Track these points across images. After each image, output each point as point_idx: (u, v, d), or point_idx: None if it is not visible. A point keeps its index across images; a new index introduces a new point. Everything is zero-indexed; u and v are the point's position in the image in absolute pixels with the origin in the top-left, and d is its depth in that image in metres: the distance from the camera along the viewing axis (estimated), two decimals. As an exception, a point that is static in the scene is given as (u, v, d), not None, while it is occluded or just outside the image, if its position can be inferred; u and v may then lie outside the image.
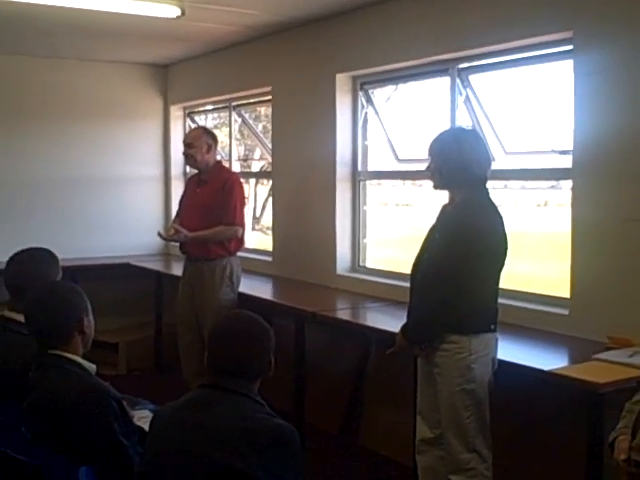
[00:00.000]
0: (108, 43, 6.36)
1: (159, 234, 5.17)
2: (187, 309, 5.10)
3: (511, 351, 3.42)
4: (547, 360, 3.41)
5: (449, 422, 3.17)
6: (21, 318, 2.84)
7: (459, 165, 3.20)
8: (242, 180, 7.12)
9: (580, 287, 3.75)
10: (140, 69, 7.44)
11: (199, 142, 5.00)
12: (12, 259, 3.04)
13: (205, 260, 4.97)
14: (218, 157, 5.47)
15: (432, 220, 3.39)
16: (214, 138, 5.15)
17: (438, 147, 3.31)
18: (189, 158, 5.08)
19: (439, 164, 3.26)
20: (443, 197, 3.49)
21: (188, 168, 7.60)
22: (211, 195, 4.98)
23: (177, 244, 5.26)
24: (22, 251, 3.08)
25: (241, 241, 5.11)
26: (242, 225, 5.05)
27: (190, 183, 5.38)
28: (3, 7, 4.82)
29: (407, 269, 3.42)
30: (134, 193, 7.39)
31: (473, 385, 3.11)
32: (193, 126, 7.64)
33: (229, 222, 4.93)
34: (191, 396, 2.27)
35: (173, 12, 4.92)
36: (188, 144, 5.05)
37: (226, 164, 6.97)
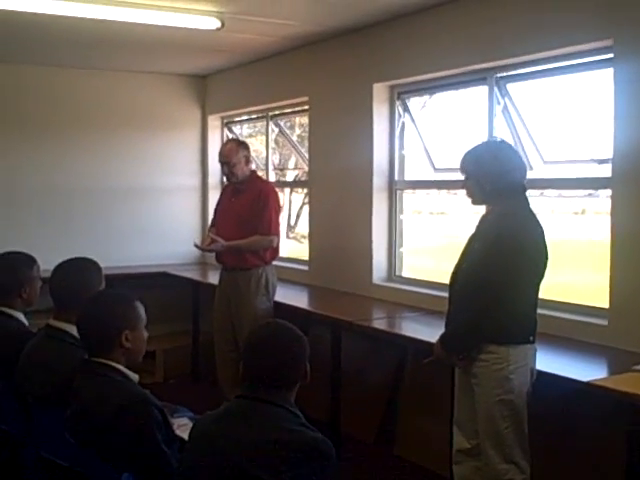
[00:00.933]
0: (147, 55, 6.45)
1: (195, 244, 5.18)
2: (223, 319, 5.14)
3: (549, 362, 3.40)
4: (586, 371, 3.39)
5: (487, 433, 3.15)
6: (66, 327, 2.91)
7: (498, 175, 3.19)
8: (277, 189, 7.18)
9: (619, 297, 3.72)
10: (178, 80, 7.53)
11: (237, 157, 5.01)
12: (57, 269, 3.09)
13: (241, 270, 5.00)
14: (253, 166, 5.50)
15: (467, 229, 3.39)
16: (248, 148, 5.19)
17: (473, 161, 3.29)
18: (230, 176, 5.08)
19: (480, 179, 3.24)
20: (482, 207, 3.47)
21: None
22: (246, 205, 5.02)
23: (213, 254, 5.28)
24: (66, 261, 3.13)
25: (276, 250, 5.14)
26: (277, 235, 5.09)
27: (225, 192, 5.40)
28: (41, 20, 4.92)
29: (442, 278, 3.43)
30: (172, 203, 7.48)
31: (511, 396, 3.09)
32: (230, 136, 7.71)
33: (265, 232, 4.96)
34: (227, 407, 2.29)
35: (213, 24, 5.00)
36: (226, 162, 5.04)
37: (263, 173, 7.04)
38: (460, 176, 3.43)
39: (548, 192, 4.96)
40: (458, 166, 3.39)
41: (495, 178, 3.20)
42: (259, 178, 5.38)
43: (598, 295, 4.00)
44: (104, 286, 3.11)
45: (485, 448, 3.17)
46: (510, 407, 3.10)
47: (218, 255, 5.16)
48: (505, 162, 3.22)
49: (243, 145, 5.19)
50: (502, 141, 3.58)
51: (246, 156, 5.07)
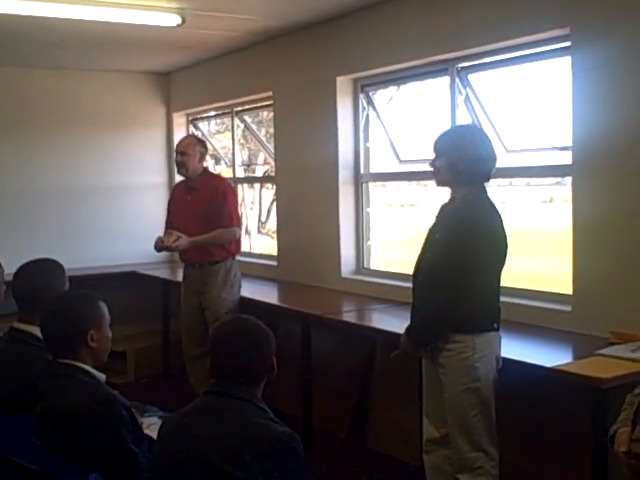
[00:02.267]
0: (110, 53, 6.41)
1: (157, 245, 4.99)
2: (192, 315, 5.15)
3: (515, 349, 3.43)
4: (551, 357, 3.43)
5: (455, 421, 3.18)
6: (30, 329, 2.89)
7: (475, 160, 3.19)
8: (246, 185, 7.18)
9: (582, 283, 3.77)
10: (142, 77, 7.48)
11: (192, 150, 5.07)
12: (19, 271, 3.07)
13: (208, 264, 5.03)
14: (221, 167, 5.50)
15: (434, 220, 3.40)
16: (205, 147, 5.26)
17: (449, 142, 3.27)
18: (181, 166, 5.11)
19: (453, 159, 3.20)
20: (447, 196, 3.48)
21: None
22: (204, 201, 5.04)
23: (177, 252, 5.26)
24: (29, 263, 3.11)
25: (240, 242, 5.21)
26: (240, 226, 5.17)
27: (178, 191, 5.40)
28: (5, 20, 4.87)
29: (411, 269, 3.43)
30: (139, 201, 7.43)
31: (478, 384, 3.12)
32: (197, 133, 7.68)
33: (227, 224, 5.00)
34: (195, 403, 2.30)
35: (174, 20, 4.98)
36: (181, 152, 5.08)
37: (229, 169, 7.03)
38: (424, 167, 3.44)
39: (516, 181, 5.01)
40: (423, 155, 3.39)
41: (468, 163, 3.18)
42: (213, 175, 5.45)
43: (564, 282, 4.05)
44: (68, 287, 3.09)
45: (454, 437, 3.19)
46: (477, 395, 3.12)
47: (182, 253, 5.17)
48: (480, 149, 3.23)
49: (202, 143, 5.27)
50: (479, 128, 3.58)
51: (202, 153, 5.13)
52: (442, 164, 3.27)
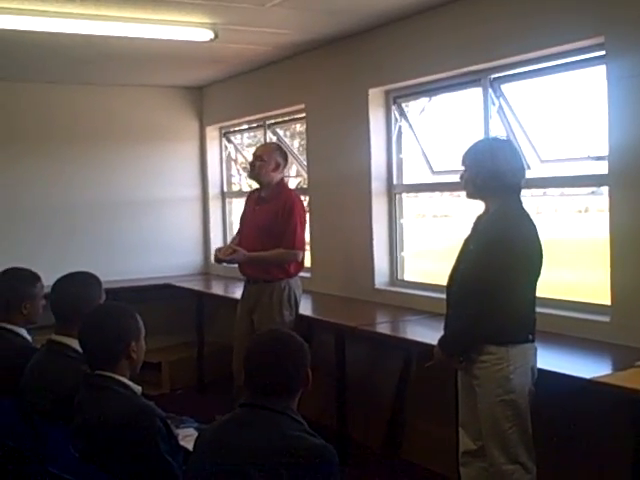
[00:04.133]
0: (143, 68, 6.48)
1: (216, 257, 4.90)
2: (244, 330, 4.91)
3: (553, 360, 3.41)
4: (589, 368, 3.39)
5: (490, 433, 3.15)
6: (68, 341, 2.93)
7: (492, 174, 3.20)
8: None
9: (621, 294, 3.72)
10: (175, 92, 7.56)
11: (269, 157, 4.83)
12: (57, 284, 3.11)
13: (264, 282, 4.81)
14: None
15: (469, 231, 3.40)
16: (285, 157, 4.98)
17: (472, 156, 3.31)
18: (253, 169, 4.88)
19: (473, 173, 3.27)
20: (481, 207, 3.47)
21: (226, 187, 7.72)
22: (270, 215, 4.80)
23: (235, 265, 5.06)
24: (66, 276, 3.15)
25: (301, 264, 4.97)
26: (302, 249, 4.90)
27: (249, 200, 5.13)
28: (36, 37, 4.95)
29: (445, 280, 3.42)
30: (173, 214, 7.50)
31: (513, 396, 3.09)
32: (229, 146, 7.74)
33: (289, 246, 4.75)
34: (231, 416, 2.30)
35: (206, 35, 5.02)
36: (258, 156, 4.85)
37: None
38: (456, 178, 3.44)
39: (550, 191, 4.97)
40: (456, 166, 3.41)
41: (488, 177, 3.21)
42: (286, 187, 5.07)
43: (601, 292, 4.00)
44: (104, 299, 3.13)
45: (489, 449, 3.17)
46: (512, 407, 3.09)
47: (241, 267, 4.96)
48: (501, 162, 3.22)
49: (281, 151, 5.00)
50: (505, 140, 3.58)
51: (278, 162, 4.84)
52: (466, 177, 3.32)
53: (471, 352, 3.17)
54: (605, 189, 3.91)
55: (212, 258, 5.02)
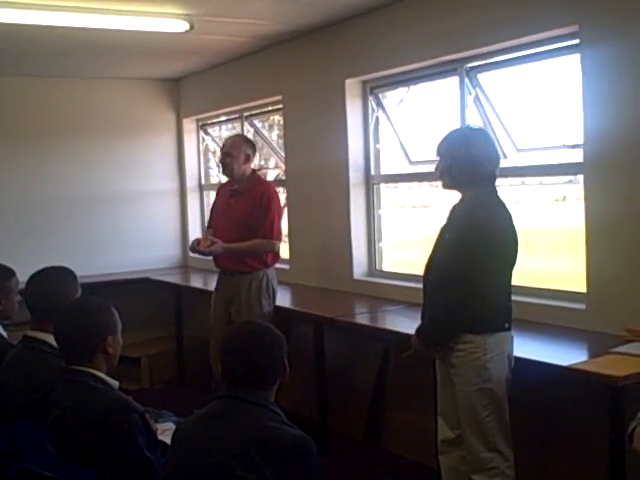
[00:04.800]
0: (118, 60, 6.43)
1: (191, 248, 4.91)
2: (220, 323, 4.90)
3: (529, 348, 3.43)
4: (566, 355, 3.41)
5: (468, 422, 3.17)
6: (43, 337, 2.91)
7: (468, 163, 3.21)
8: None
9: (596, 281, 3.75)
10: (152, 84, 7.51)
11: (237, 151, 4.83)
12: (32, 279, 3.09)
13: (241, 273, 4.82)
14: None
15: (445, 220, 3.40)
16: (253, 148, 4.99)
17: (446, 146, 3.32)
18: (226, 167, 4.88)
19: (448, 163, 3.27)
20: (458, 197, 3.48)
21: (204, 180, 7.69)
22: (246, 207, 4.81)
23: (210, 258, 5.05)
24: (40, 271, 3.12)
25: (278, 254, 4.99)
26: (280, 239, 4.93)
27: (222, 192, 5.13)
28: (12, 30, 4.90)
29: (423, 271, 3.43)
30: (150, 207, 7.46)
31: (490, 384, 3.11)
32: (206, 139, 7.70)
33: (266, 236, 4.78)
34: (208, 408, 2.29)
35: (182, 27, 5.00)
36: (226, 152, 4.85)
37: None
38: (434, 168, 3.45)
39: (528, 180, 4.99)
40: (434, 156, 3.41)
41: (464, 167, 3.21)
42: (260, 179, 5.11)
43: (578, 280, 4.03)
44: (80, 294, 3.11)
45: (467, 437, 3.19)
46: (489, 395, 3.12)
47: (217, 258, 4.95)
48: (477, 152, 3.23)
49: (249, 143, 5.00)
50: (479, 129, 3.59)
51: (247, 154, 4.85)
52: (440, 167, 3.33)
53: (448, 341, 3.18)
54: (582, 178, 3.93)
55: (189, 247, 4.95)
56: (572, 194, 6.11)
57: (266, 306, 4.84)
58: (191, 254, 5.07)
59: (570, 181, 4.83)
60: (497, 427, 3.13)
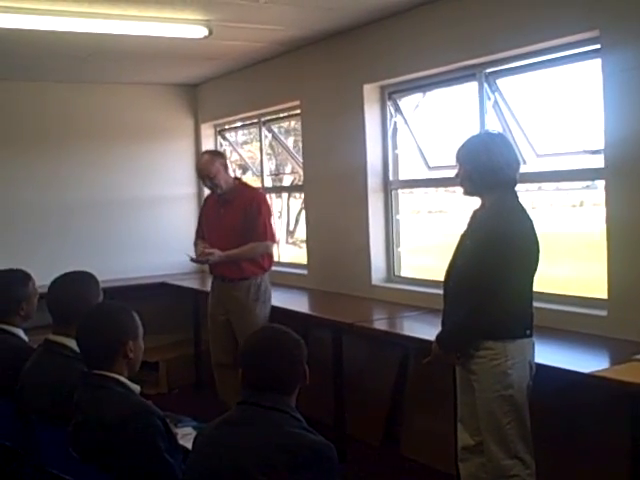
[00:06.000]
0: (137, 66, 6.46)
1: (190, 258, 5.01)
2: (221, 330, 5.02)
3: (550, 355, 3.40)
4: (587, 362, 3.40)
5: (488, 429, 3.15)
6: (65, 341, 2.92)
7: (488, 169, 3.19)
8: (274, 195, 7.15)
9: (617, 287, 3.72)
10: (170, 89, 7.54)
11: (215, 168, 4.88)
12: (54, 283, 3.09)
13: (239, 280, 4.92)
14: (249, 174, 5.40)
15: (465, 226, 3.39)
16: (223, 156, 5.11)
17: (466, 152, 3.30)
18: (215, 187, 4.94)
19: (469, 170, 3.26)
20: (476, 202, 3.47)
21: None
22: (238, 214, 4.90)
23: (207, 266, 5.14)
24: (63, 275, 3.13)
25: (272, 257, 5.10)
26: (273, 240, 5.04)
27: (210, 202, 5.21)
28: (31, 36, 4.93)
29: (442, 276, 3.42)
30: (168, 212, 7.48)
31: (511, 391, 3.08)
32: (224, 144, 7.72)
33: (260, 238, 4.89)
34: (229, 414, 2.28)
35: (201, 32, 5.01)
36: (207, 175, 4.89)
37: (258, 179, 7.04)
38: (453, 174, 3.43)
39: (545, 185, 4.97)
40: (452, 162, 3.40)
41: (485, 173, 3.20)
42: (245, 185, 5.24)
43: (596, 286, 4.00)
44: (102, 298, 3.12)
45: (488, 444, 3.16)
46: (510, 402, 3.09)
47: (213, 267, 5.03)
48: (497, 157, 3.21)
49: (217, 154, 5.13)
50: (498, 134, 3.57)
51: (223, 164, 4.95)
52: (461, 174, 3.31)
53: (468, 347, 3.16)
54: (600, 183, 3.91)
55: (189, 258, 5.01)
56: (589, 199, 6.09)
57: (263, 309, 4.96)
58: (191, 262, 5.09)
59: (587, 187, 4.81)
60: (518, 434, 3.10)
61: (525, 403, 3.13)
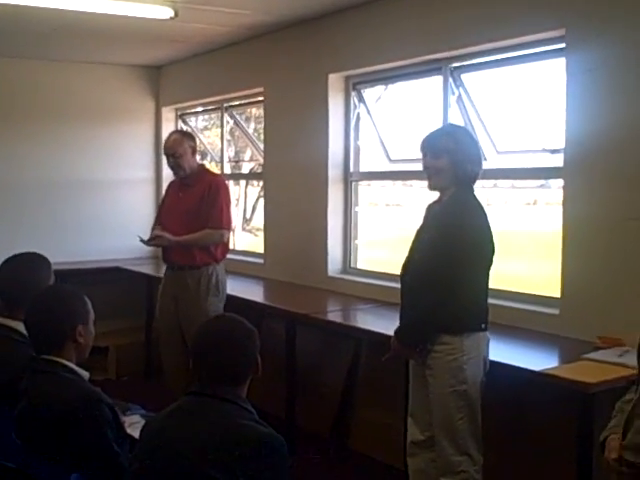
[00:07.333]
0: (100, 45, 6.34)
1: (141, 239, 4.82)
2: (170, 320, 4.83)
3: (501, 351, 3.41)
4: (537, 360, 3.43)
5: (441, 424, 3.16)
6: (13, 324, 2.85)
7: (459, 163, 3.16)
8: (232, 182, 7.07)
9: (570, 286, 3.76)
10: (132, 71, 7.42)
11: (183, 148, 4.74)
12: (3, 265, 3.02)
13: (189, 269, 4.72)
14: (208, 159, 5.30)
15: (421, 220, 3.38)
16: (194, 139, 4.97)
17: (453, 141, 3.20)
18: (176, 168, 4.80)
19: (459, 158, 3.16)
20: (432, 196, 3.44)
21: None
22: (195, 199, 4.75)
23: (161, 252, 5.01)
24: (13, 256, 3.05)
25: (227, 247, 4.92)
26: (229, 229, 4.86)
27: (172, 188, 5.08)
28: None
29: (397, 270, 3.41)
30: (125, 196, 7.37)
31: (465, 386, 3.10)
32: (185, 128, 7.62)
33: (215, 225, 4.71)
34: (178, 404, 2.24)
35: (166, 13, 4.93)
36: (172, 154, 4.75)
37: (218, 166, 6.97)
38: (415, 166, 3.41)
39: (501, 183, 5.01)
40: (414, 155, 3.37)
41: (457, 167, 3.17)
42: (208, 171, 5.10)
43: (549, 285, 4.04)
44: (53, 281, 3.05)
45: (439, 439, 3.17)
46: (464, 398, 3.10)
47: (165, 253, 4.87)
48: (467, 152, 3.21)
49: (188, 136, 4.97)
50: (464, 129, 3.56)
51: (192, 147, 4.81)
52: (445, 164, 3.20)
53: (427, 342, 3.15)
54: (554, 183, 3.93)
55: (138, 240, 4.83)
56: (543, 198, 6.15)
57: (216, 303, 4.75)
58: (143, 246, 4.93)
59: (542, 186, 4.85)
60: (469, 430, 3.12)
61: (478, 399, 3.15)
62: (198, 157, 5.14)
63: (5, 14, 5.00)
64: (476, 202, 3.24)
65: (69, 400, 2.35)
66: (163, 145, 4.97)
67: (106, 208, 7.25)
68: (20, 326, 2.74)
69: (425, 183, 3.36)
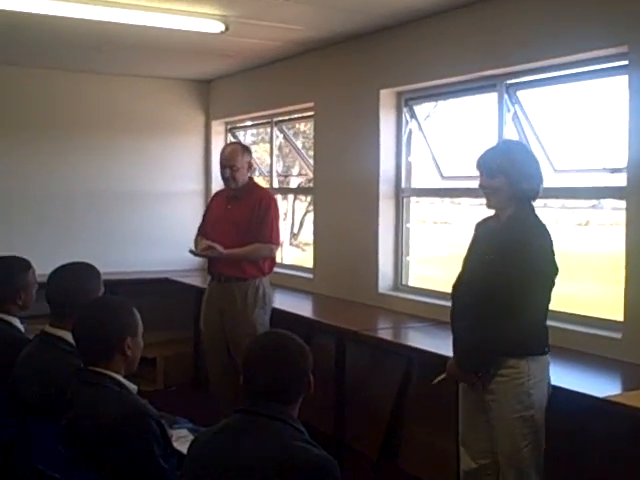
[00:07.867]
0: (151, 59, 6.38)
1: (190, 250, 4.84)
2: (216, 333, 4.81)
3: (562, 376, 3.28)
4: (600, 386, 3.30)
5: (506, 452, 3.02)
6: (62, 334, 2.84)
7: (517, 182, 3.06)
8: (280, 196, 7.06)
9: (634, 310, 3.60)
10: (182, 84, 7.46)
11: (241, 162, 4.74)
12: (54, 274, 3.01)
13: (237, 280, 4.72)
14: (256, 173, 5.26)
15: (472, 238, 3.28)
16: (251, 154, 4.95)
17: (507, 158, 3.11)
18: (232, 180, 4.76)
19: (515, 178, 3.06)
20: (481, 214, 3.35)
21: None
22: (246, 212, 4.74)
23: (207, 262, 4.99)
24: (64, 266, 3.05)
25: (274, 260, 4.92)
26: (278, 244, 4.87)
27: (217, 199, 5.08)
28: (43, 21, 4.83)
29: (448, 288, 3.31)
30: (174, 208, 7.39)
31: (532, 411, 2.97)
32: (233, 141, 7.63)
33: (265, 240, 4.71)
34: (227, 422, 2.17)
35: (217, 27, 4.94)
36: (230, 166, 4.73)
37: (267, 180, 6.95)
38: (468, 184, 3.32)
39: (552, 202, 4.87)
40: (467, 172, 3.28)
41: (516, 185, 3.07)
42: (257, 185, 5.09)
43: (606, 307, 3.90)
44: (102, 292, 3.02)
45: (504, 470, 3.03)
46: (530, 424, 2.97)
47: (212, 264, 4.86)
48: (527, 170, 3.11)
49: (247, 150, 4.96)
50: (523, 145, 3.46)
51: (249, 162, 4.82)
52: (501, 184, 3.10)
53: (490, 366, 3.02)
54: (606, 203, 3.79)
55: (188, 250, 4.85)
56: (596, 219, 6.01)
57: (262, 315, 4.74)
58: (191, 255, 4.91)
59: (594, 206, 4.72)
60: (533, 458, 2.98)
61: (543, 425, 3.02)
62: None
63: (53, 25, 5.02)
64: (537, 220, 3.13)
65: (116, 414, 2.31)
66: (220, 155, 4.93)
67: (155, 220, 7.29)
68: (68, 335, 2.72)
69: (476, 201, 3.27)
